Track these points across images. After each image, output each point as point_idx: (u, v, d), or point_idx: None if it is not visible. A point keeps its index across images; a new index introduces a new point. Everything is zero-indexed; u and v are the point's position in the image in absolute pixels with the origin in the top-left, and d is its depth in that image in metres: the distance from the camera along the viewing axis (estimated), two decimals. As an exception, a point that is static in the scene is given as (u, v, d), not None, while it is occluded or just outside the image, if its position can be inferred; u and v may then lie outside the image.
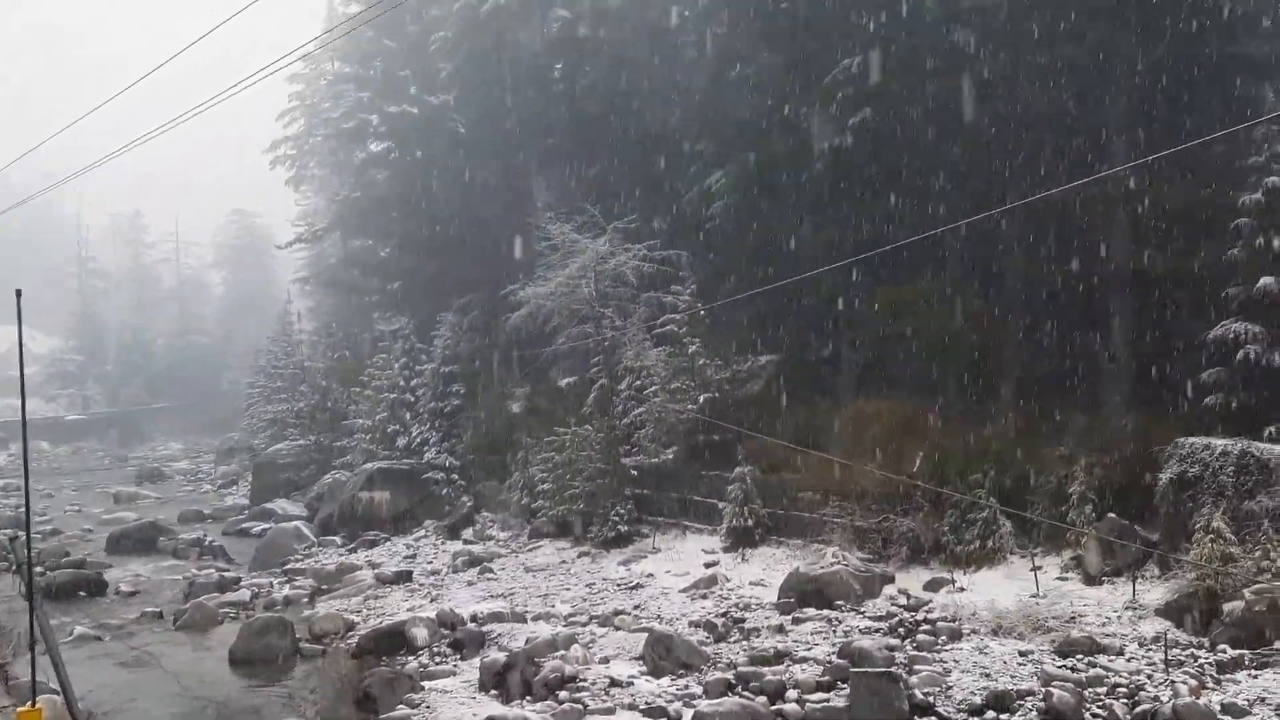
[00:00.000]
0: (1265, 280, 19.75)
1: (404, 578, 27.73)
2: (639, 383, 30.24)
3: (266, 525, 37.71)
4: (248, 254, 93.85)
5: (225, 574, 29.65)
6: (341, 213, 48.08)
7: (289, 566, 31.17)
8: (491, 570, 27.81)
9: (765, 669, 16.99)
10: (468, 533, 32.75)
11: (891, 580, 21.82)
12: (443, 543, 32.59)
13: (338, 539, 34.63)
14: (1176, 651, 16.44)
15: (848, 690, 15.40)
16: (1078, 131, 24.56)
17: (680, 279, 30.85)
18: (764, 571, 23.84)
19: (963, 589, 20.78)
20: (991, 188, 24.41)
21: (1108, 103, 24.36)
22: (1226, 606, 16.98)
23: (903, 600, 20.66)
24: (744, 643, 19.06)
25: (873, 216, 27.13)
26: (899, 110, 26.72)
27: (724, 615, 20.86)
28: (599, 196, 35.29)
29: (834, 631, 19.29)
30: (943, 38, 26.49)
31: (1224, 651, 16.31)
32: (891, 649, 17.44)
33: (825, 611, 20.42)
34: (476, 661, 18.91)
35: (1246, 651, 16.13)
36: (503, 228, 39.05)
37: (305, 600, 26.63)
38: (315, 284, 57.90)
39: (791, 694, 15.96)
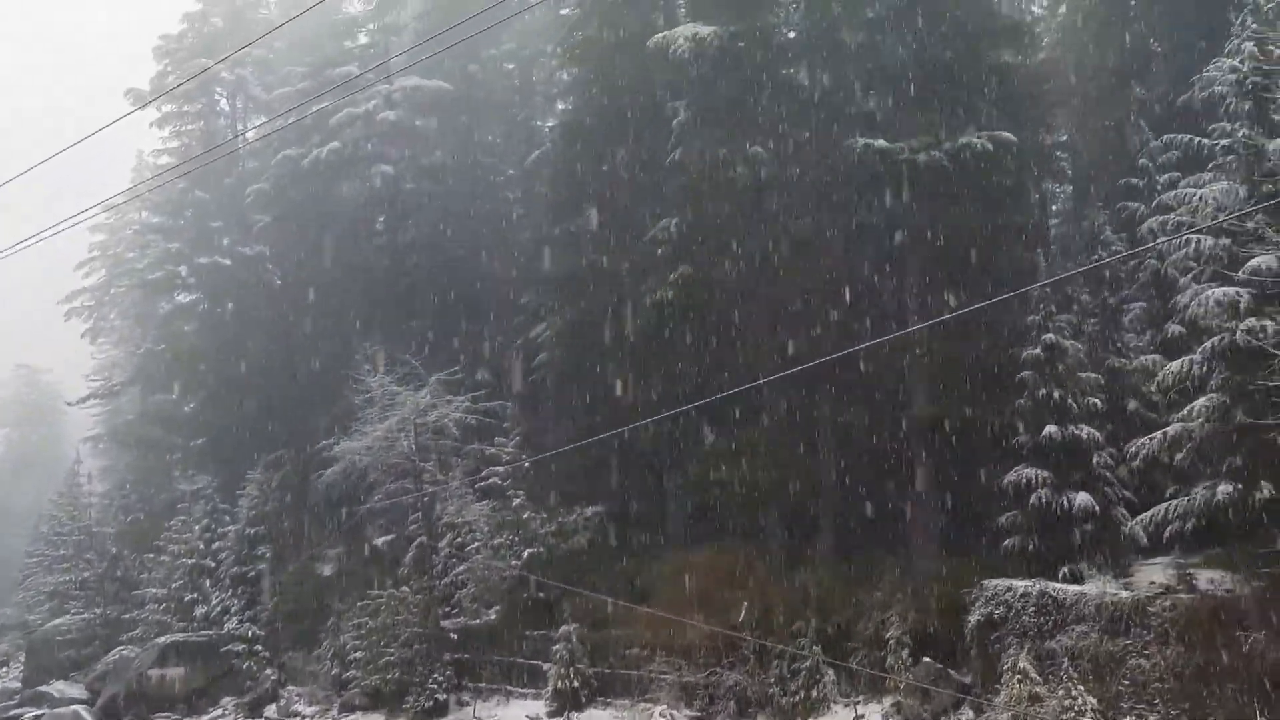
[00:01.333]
0: (1049, 428, 21.47)
1: (194, 764, 25.46)
2: (460, 539, 29.51)
3: (40, 711, 34.23)
4: (33, 412, 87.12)
5: (-14, 770, 26.42)
6: (143, 366, 45.74)
7: (64, 758, 28.13)
8: (295, 750, 25.89)
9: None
10: (271, 709, 30.55)
11: (720, 735, 21.62)
12: (243, 721, 30.24)
13: (121, 723, 31.61)
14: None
15: None
16: (881, 290, 26.47)
17: (504, 431, 30.75)
18: (591, 734, 23.18)
19: (791, 740, 20.79)
20: (803, 341, 25.77)
21: (906, 264, 26.44)
22: (1037, 744, 17.63)
23: (732, 754, 20.44)
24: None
25: (694, 368, 28.06)
26: (716, 267, 28.10)
27: (551, 782, 20.03)
28: (421, 348, 35.08)
29: (665, 791, 18.80)
30: (754, 202, 28.27)
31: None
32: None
33: (657, 772, 19.92)
34: None
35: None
36: (319, 381, 38.06)
37: (80, 794, 23.98)
38: (110, 442, 54.14)
39: None
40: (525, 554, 27.77)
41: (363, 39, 39.93)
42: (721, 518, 27.12)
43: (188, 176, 42.36)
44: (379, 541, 32.42)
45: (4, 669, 47.35)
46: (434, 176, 36.69)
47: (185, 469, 44.10)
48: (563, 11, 34.57)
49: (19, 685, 40.72)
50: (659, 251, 28.70)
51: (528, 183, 34.59)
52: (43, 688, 37.50)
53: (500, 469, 29.10)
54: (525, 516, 28.44)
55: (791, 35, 30.59)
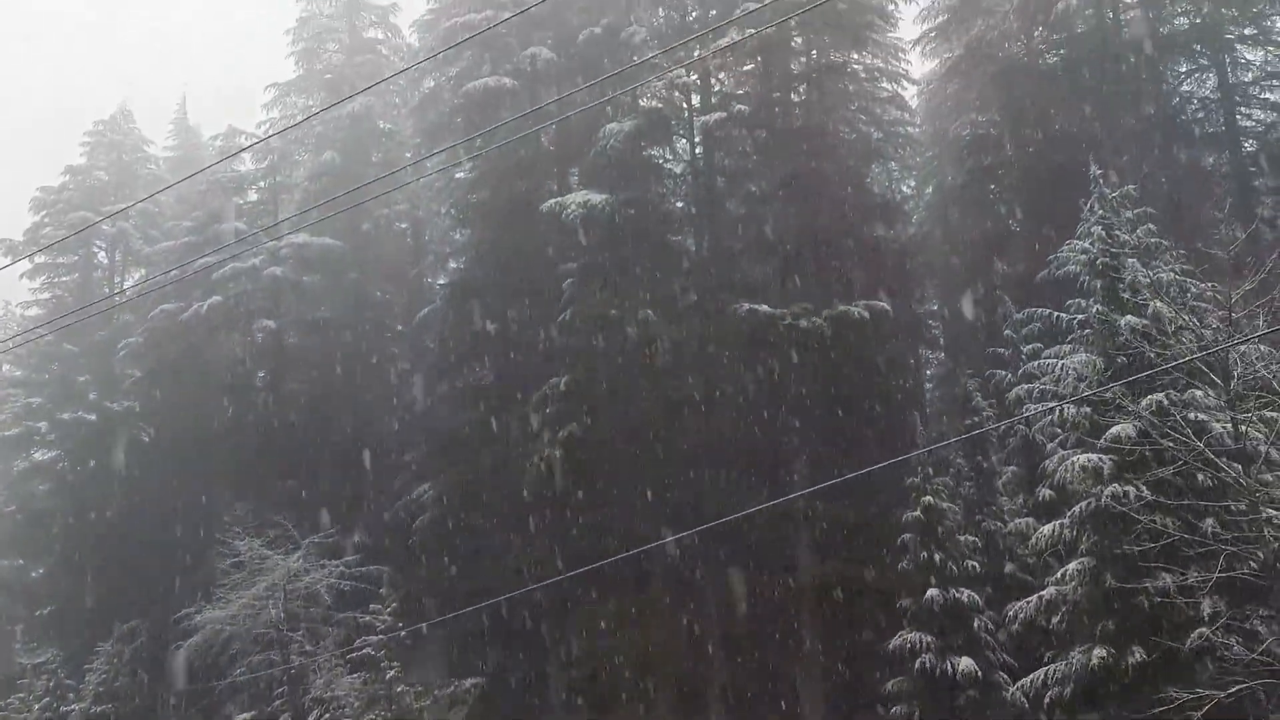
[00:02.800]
0: (931, 591, 21.68)
1: None
2: (327, 716, 27.67)
3: None
4: None
5: None
6: (-11, 528, 42.80)
7: None
8: None
9: None
10: None
11: None
12: None
13: None
14: None
15: None
16: (767, 452, 26.84)
17: (381, 597, 29.41)
18: None
19: None
20: (690, 502, 25.78)
21: (789, 427, 26.96)
22: None
23: None
24: None
25: (581, 530, 27.66)
26: (604, 426, 28.13)
27: None
28: (296, 509, 33.72)
29: None
30: (643, 362, 28.68)
31: None
32: None
33: None
34: None
35: None
36: (184, 544, 36.07)
37: None
38: (-56, 611, 49.88)
39: None
40: (399, 730, 26.17)
41: (253, 196, 39.88)
42: (606, 686, 26.26)
43: (58, 330, 40.89)
44: (240, 719, 30.14)
45: None
46: (319, 332, 36.18)
47: (28, 641, 40.71)
48: (458, 175, 35.31)
49: None
50: (547, 410, 28.65)
51: (417, 339, 34.41)
52: None
53: (375, 639, 27.67)
54: (399, 690, 26.93)
55: (679, 204, 31.89)
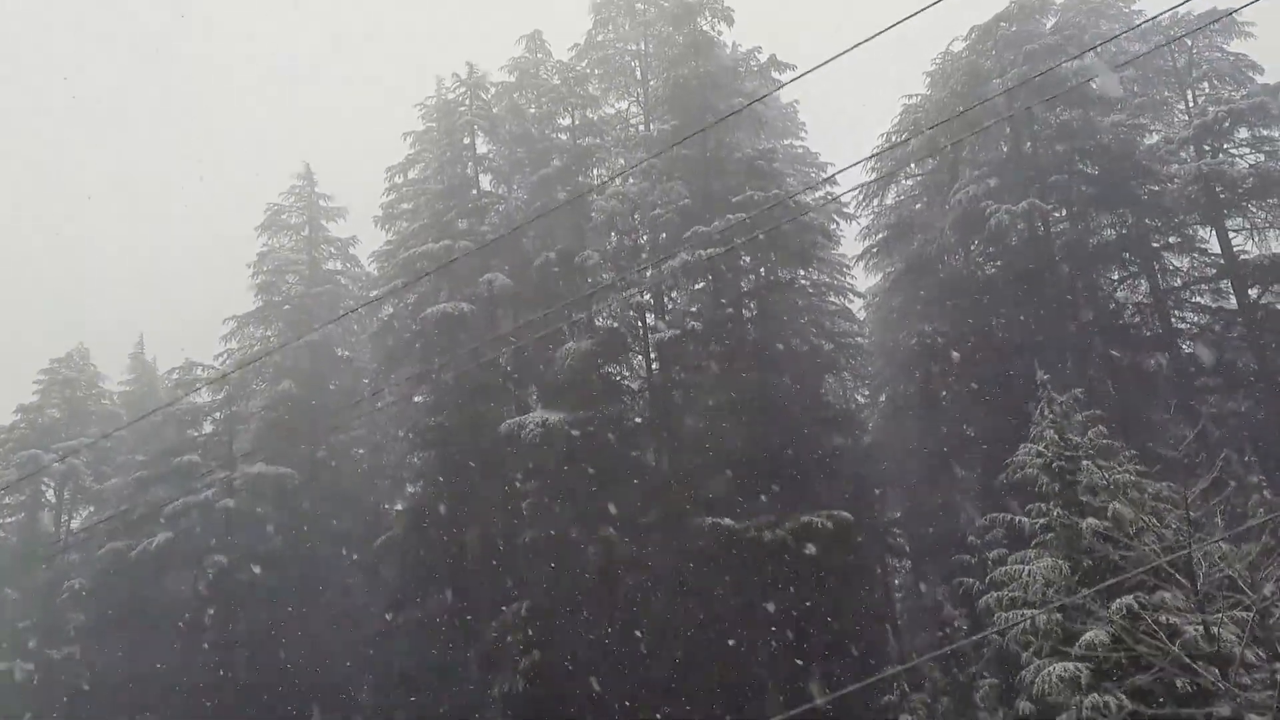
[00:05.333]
0: None
1: None
2: None
3: None
4: None
5: None
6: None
7: None
8: None
9: None
10: None
11: None
12: None
13: None
14: None
15: None
16: (740, 667, 25.83)
17: None
18: None
19: None
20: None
21: (760, 640, 26.10)
22: None
23: None
24: None
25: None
26: (567, 652, 27.11)
27: None
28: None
29: None
30: (606, 582, 27.97)
31: None
32: None
33: None
34: None
35: None
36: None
37: None
38: None
39: None
40: None
41: (208, 428, 39.53)
42: None
43: (-1, 577, 39.35)
44: None
45: None
46: (272, 566, 35.03)
47: None
48: (416, 399, 35.47)
49: None
50: (509, 638, 27.66)
51: (373, 568, 33.40)
52: None
53: None
54: None
55: (639, 420, 32.08)
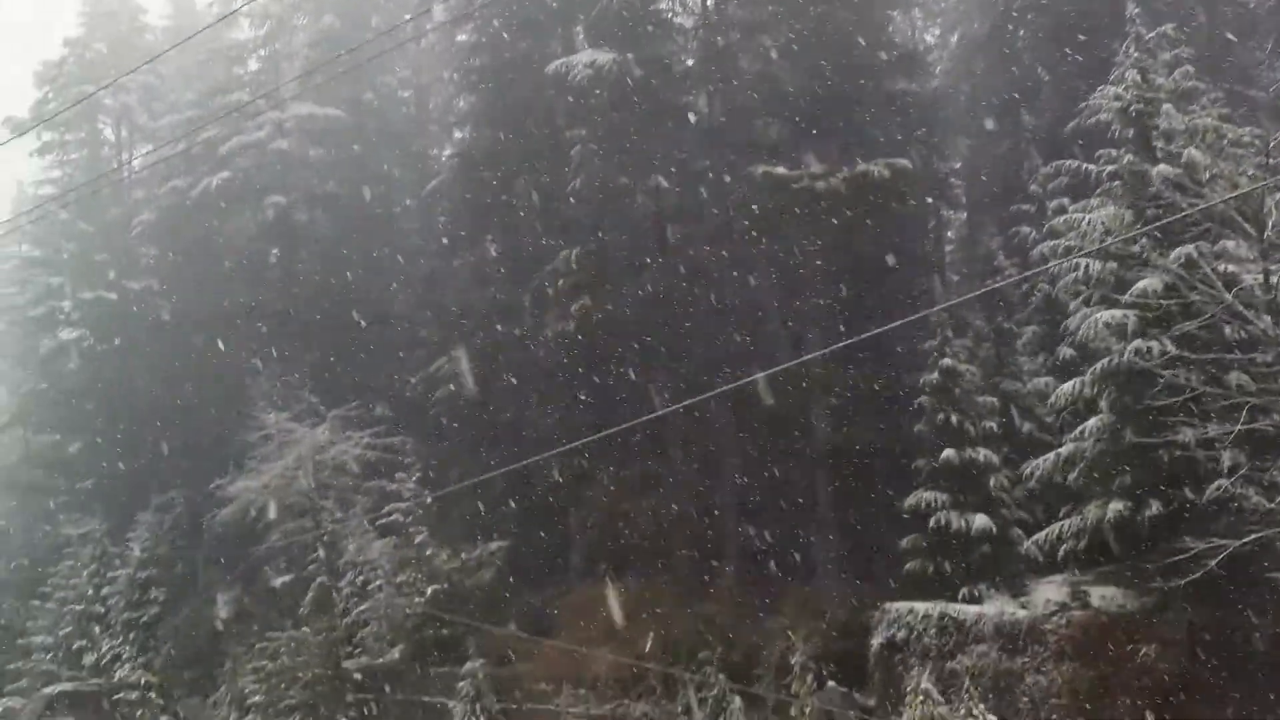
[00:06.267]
0: (947, 452, 21.70)
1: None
2: (362, 578, 28.62)
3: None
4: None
5: None
6: (25, 406, 43.67)
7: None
8: (191, 803, 24.77)
9: None
10: (166, 759, 29.16)
11: (627, 769, 21.25)
12: (135, 774, 28.88)
13: (5, 781, 30.01)
14: (901, 815, 16.84)
15: None
16: (783, 318, 26.55)
17: (405, 467, 29.96)
18: (498, 774, 22.56)
19: (699, 773, 20.53)
20: (705, 370, 25.71)
21: (805, 292, 26.58)
22: (941, 766, 17.67)
23: (640, 790, 20.11)
24: None
25: (598, 398, 27.77)
26: (617, 298, 27.90)
27: (455, 829, 19.41)
28: (318, 383, 34.08)
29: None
30: (655, 231, 28.22)
31: (942, 812, 16.86)
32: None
33: (562, 812, 19.48)
34: None
35: (962, 810, 16.76)
36: (212, 418, 36.70)
37: None
38: (-12, 487, 51.44)
39: None
40: (429, 591, 27.07)
41: (253, 65, 38.80)
42: (625, 550, 26.82)
43: (71, 208, 40.74)
44: (277, 582, 31.24)
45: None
46: (328, 207, 35.75)
47: (71, 512, 42.11)
48: (460, 38, 34.11)
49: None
50: (560, 283, 28.37)
51: (425, 213, 33.90)
52: (-76, 739, 35.38)
53: (402, 505, 28.33)
54: (428, 553, 27.73)
55: (690, 63, 30.73)
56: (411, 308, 34.54)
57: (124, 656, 33.56)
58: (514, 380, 29.85)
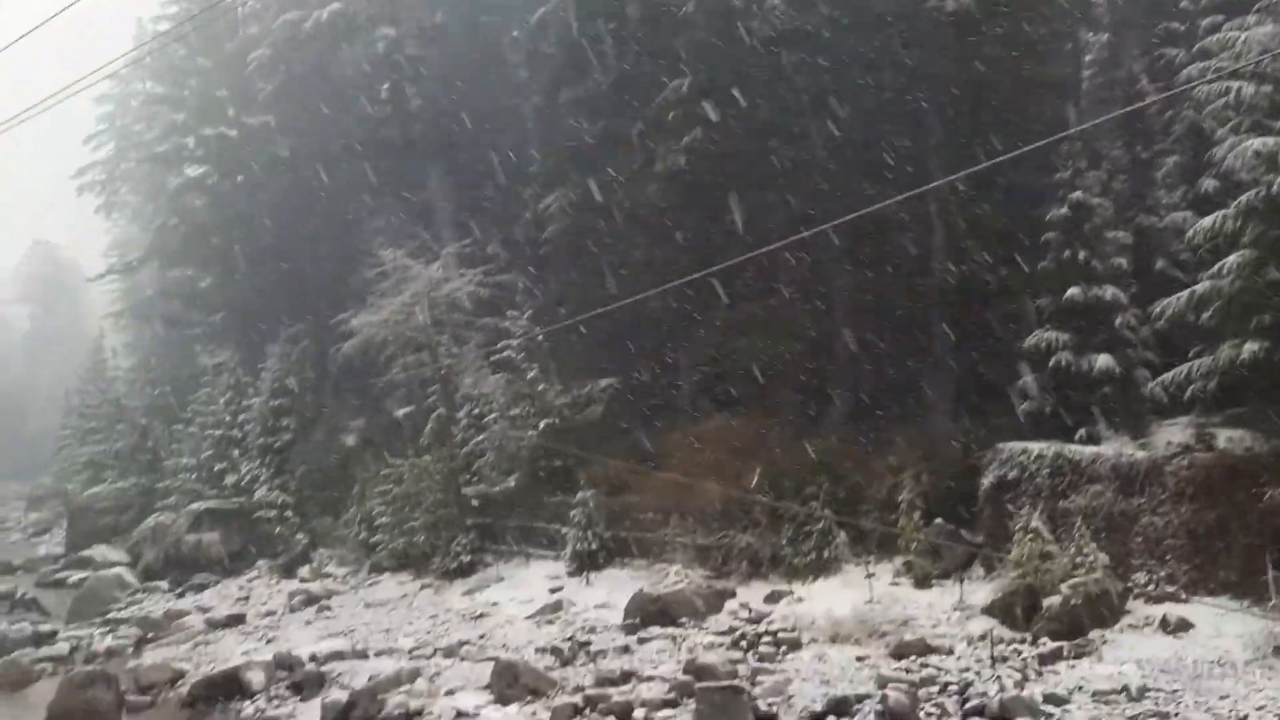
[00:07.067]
0: (1073, 291, 20.91)
1: (237, 620, 26.58)
2: (478, 410, 29.66)
3: (85, 574, 35.48)
4: (55, 287, 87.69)
5: (40, 628, 27.49)
6: (158, 241, 45.44)
7: (111, 616, 29.41)
8: (330, 608, 26.84)
9: (612, 689, 16.87)
10: (304, 570, 31.44)
11: (733, 595, 21.97)
12: (277, 582, 31.28)
13: (164, 584, 32.97)
14: (1001, 647, 17.11)
15: (694, 705, 15.30)
16: (899, 150, 25.49)
17: (517, 304, 30.46)
18: (609, 594, 23.60)
19: (801, 599, 21.12)
20: (820, 206, 25.03)
21: (927, 123, 25.38)
22: (1046, 602, 17.77)
23: (744, 614, 20.84)
24: (590, 665, 18.84)
25: (708, 235, 27.46)
26: (730, 129, 27.15)
27: (570, 639, 20.56)
28: (432, 220, 34.52)
29: (679, 649, 19.27)
30: (769, 58, 27.09)
31: (1044, 644, 17.07)
32: (735, 662, 17.57)
33: (670, 629, 20.40)
34: (317, 702, 18.17)
35: (1065, 643, 16.92)
36: (331, 254, 37.71)
37: (130, 650, 25.10)
38: (131, 318, 54.52)
39: (639, 713, 15.93)
40: (541, 424, 27.91)
41: None
42: (734, 387, 26.96)
43: (190, 45, 41.22)
44: (399, 413, 32.63)
45: (47, 535, 49.18)
46: (436, 40, 35.29)
47: (206, 344, 44.39)
48: None
49: (63, 550, 42.27)
50: (670, 115, 27.68)
51: (534, 44, 33.11)
52: (85, 552, 38.93)
53: (514, 342, 28.94)
54: (540, 389, 28.45)
55: None
56: (521, 144, 34.30)
57: (261, 479, 35.61)
58: (624, 216, 29.63)
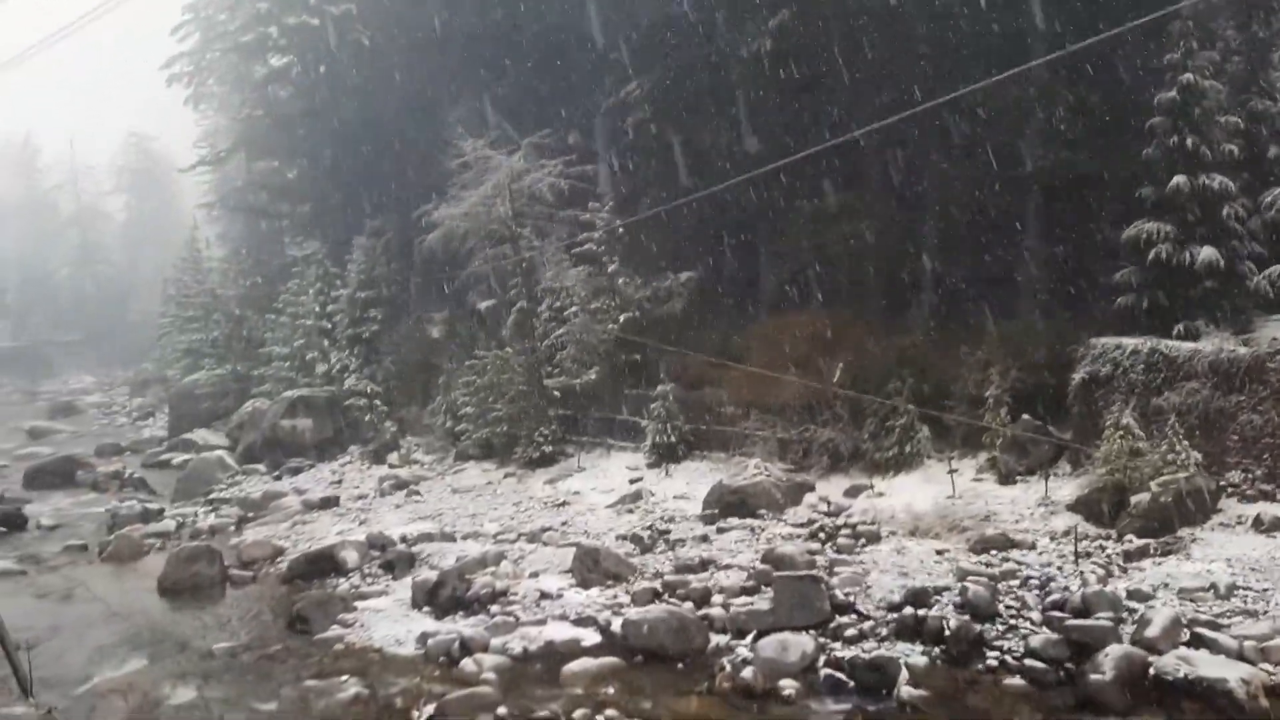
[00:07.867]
0: (1178, 179, 19.94)
1: (331, 503, 27.47)
2: (559, 304, 29.81)
3: (187, 456, 36.98)
4: (148, 178, 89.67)
5: (148, 505, 28.95)
6: (244, 132, 45.93)
7: (213, 496, 30.70)
8: (419, 493, 27.62)
9: (691, 576, 17.19)
10: (393, 457, 32.36)
11: (812, 489, 22.03)
12: (368, 468, 32.25)
13: (261, 467, 34.17)
14: (1086, 543, 16.95)
15: (771, 593, 15.54)
16: (994, 31, 24.28)
17: (597, 196, 30.21)
18: (688, 485, 23.91)
19: (881, 494, 21.09)
20: (909, 93, 24.10)
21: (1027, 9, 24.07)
22: (1134, 499, 17.47)
23: (823, 507, 20.94)
24: (670, 553, 19.19)
25: (792, 124, 26.73)
26: (817, 13, 26.14)
27: (649, 528, 20.91)
28: (512, 110, 34.18)
29: (757, 539, 19.48)
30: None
31: (1130, 541, 16.84)
32: (813, 553, 17.74)
33: (748, 521, 20.59)
34: (408, 580, 18.86)
35: (1152, 540, 16.68)
36: (413, 145, 37.71)
37: (232, 528, 26.22)
38: (221, 209, 55.61)
39: (717, 599, 16.21)
40: (621, 318, 27.97)
41: None
42: (818, 282, 26.57)
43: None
44: (481, 305, 32.97)
45: (151, 418, 51.45)
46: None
47: (295, 235, 45.08)
48: None
49: (165, 433, 44.23)
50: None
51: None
52: (187, 435, 40.60)
53: (595, 235, 28.80)
54: (621, 282, 28.41)
55: None
56: (601, 29, 33.53)
57: (350, 368, 36.45)
58: (706, 104, 28.95)
